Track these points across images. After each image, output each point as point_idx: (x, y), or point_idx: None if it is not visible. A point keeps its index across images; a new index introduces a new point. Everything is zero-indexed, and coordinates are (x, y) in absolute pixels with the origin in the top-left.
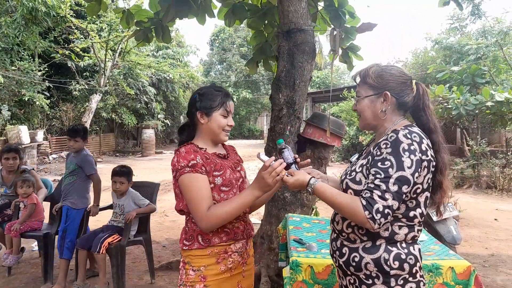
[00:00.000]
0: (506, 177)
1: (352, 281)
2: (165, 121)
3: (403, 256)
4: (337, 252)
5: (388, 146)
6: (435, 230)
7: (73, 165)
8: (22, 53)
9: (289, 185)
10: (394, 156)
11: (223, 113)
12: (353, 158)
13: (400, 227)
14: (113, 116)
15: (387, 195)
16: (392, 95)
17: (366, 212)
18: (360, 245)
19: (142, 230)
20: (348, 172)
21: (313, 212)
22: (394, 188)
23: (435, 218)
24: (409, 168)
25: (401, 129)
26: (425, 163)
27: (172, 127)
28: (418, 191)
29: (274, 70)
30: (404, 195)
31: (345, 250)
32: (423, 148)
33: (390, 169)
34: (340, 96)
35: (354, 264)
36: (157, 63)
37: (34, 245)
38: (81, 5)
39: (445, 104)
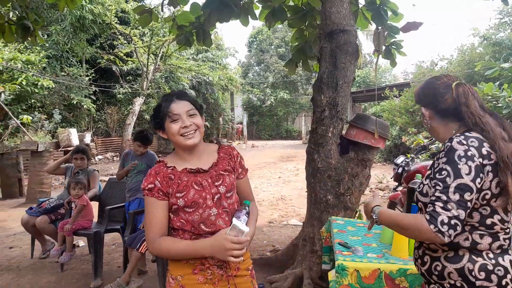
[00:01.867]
0: None
1: None
2: (205, 122)
3: (490, 267)
4: (419, 260)
5: (443, 156)
6: None
7: (143, 165)
8: (71, 59)
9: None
10: (449, 164)
11: (170, 119)
12: (398, 160)
13: (481, 236)
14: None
15: (449, 205)
16: (427, 109)
17: (432, 226)
18: (442, 254)
19: None
20: (418, 185)
21: (357, 215)
22: (455, 197)
23: None
24: (467, 174)
25: (455, 136)
26: (488, 168)
27: (212, 128)
28: (488, 197)
29: (315, 69)
30: (469, 203)
31: (426, 258)
32: (484, 152)
33: (447, 179)
34: (382, 95)
35: (436, 273)
36: (197, 66)
37: (80, 241)
38: (125, 12)
39: (495, 102)
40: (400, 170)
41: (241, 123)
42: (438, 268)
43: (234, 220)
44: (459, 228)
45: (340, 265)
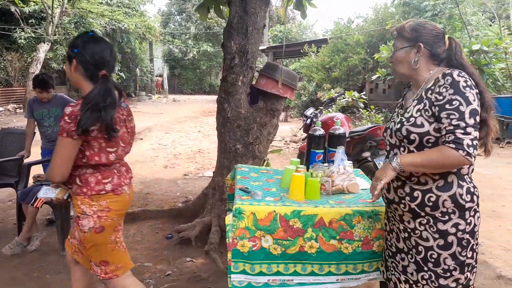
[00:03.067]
0: None
1: (424, 221)
2: (120, 74)
3: (472, 189)
4: (407, 198)
5: (449, 88)
6: None
7: (57, 110)
8: None
9: (380, 179)
10: (458, 94)
11: None
12: (308, 112)
13: None
14: (64, 67)
15: (468, 129)
16: (425, 47)
17: (460, 152)
18: (432, 185)
19: None
20: (405, 120)
21: (265, 163)
22: (471, 121)
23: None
24: (474, 101)
25: (451, 70)
26: (478, 96)
27: (128, 80)
28: None
29: (227, 15)
30: (478, 125)
31: (417, 193)
32: (474, 84)
33: (461, 107)
34: (301, 51)
35: (430, 204)
36: (111, 12)
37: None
38: None
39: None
40: (309, 121)
41: (161, 75)
42: (432, 199)
43: None
44: (477, 147)
45: (238, 209)
